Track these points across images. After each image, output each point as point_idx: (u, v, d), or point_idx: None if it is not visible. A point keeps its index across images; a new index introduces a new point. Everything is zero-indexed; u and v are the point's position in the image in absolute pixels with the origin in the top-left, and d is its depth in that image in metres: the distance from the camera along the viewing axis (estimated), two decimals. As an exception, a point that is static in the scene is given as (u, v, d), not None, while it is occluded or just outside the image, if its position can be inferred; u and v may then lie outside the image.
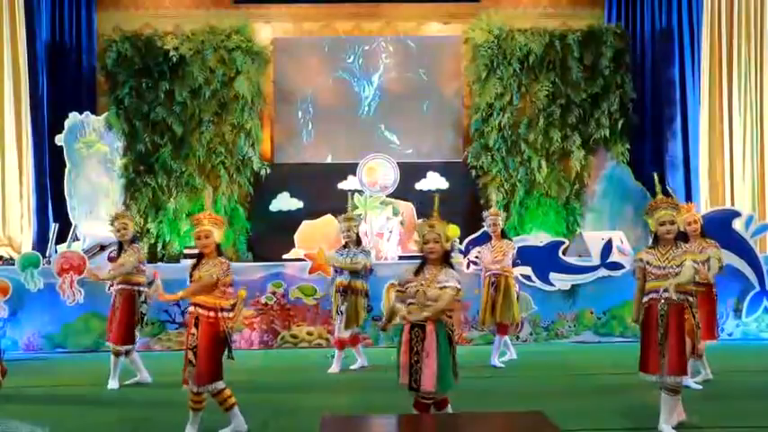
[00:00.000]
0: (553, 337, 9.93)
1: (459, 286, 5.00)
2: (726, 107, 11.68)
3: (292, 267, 9.92)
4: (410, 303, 5.02)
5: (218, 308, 5.39)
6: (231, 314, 5.49)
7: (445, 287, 4.94)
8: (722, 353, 7.87)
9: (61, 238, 10.82)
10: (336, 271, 8.09)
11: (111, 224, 7.42)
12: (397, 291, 5.16)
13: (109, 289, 7.93)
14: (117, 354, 7.30)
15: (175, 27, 12.20)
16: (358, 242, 8.14)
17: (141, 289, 7.31)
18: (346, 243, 8.11)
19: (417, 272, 5.07)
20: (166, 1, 12.41)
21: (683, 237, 5.53)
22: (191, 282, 5.47)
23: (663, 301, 5.27)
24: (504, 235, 8.42)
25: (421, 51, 12.57)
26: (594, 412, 6.18)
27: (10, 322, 9.58)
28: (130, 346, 7.37)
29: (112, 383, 7.30)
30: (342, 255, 8.05)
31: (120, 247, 7.41)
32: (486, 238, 8.63)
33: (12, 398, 6.94)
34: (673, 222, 5.33)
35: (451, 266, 5.09)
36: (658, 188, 5.66)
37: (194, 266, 5.51)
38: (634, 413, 6.01)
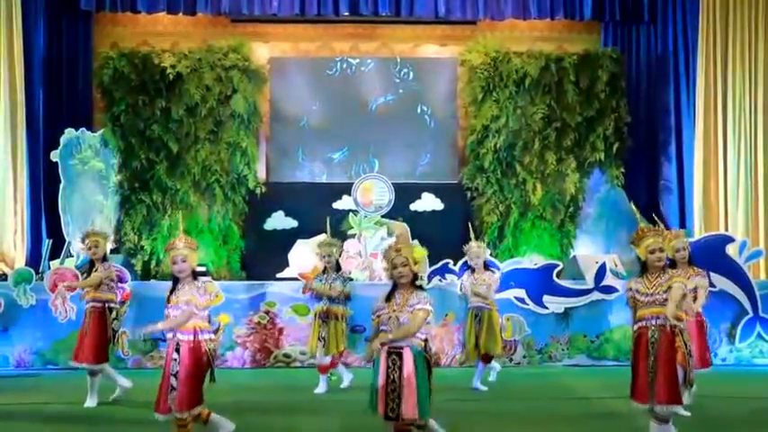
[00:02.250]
0: (546, 360, 9.90)
1: (430, 308, 4.96)
2: (720, 132, 11.74)
3: (286, 286, 9.88)
4: (382, 330, 4.98)
5: (197, 331, 5.37)
6: (213, 336, 5.46)
7: (416, 310, 4.91)
8: (715, 379, 7.84)
9: (55, 254, 10.78)
10: (317, 297, 8.03)
11: (82, 242, 7.42)
12: (373, 318, 5.12)
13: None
14: (93, 373, 7.22)
15: (173, 45, 12.23)
16: (338, 268, 8.09)
17: (112, 306, 7.25)
18: (325, 268, 8.05)
19: (388, 298, 5.03)
20: (164, 18, 12.43)
21: (670, 264, 5.54)
22: (167, 305, 5.43)
23: (653, 328, 5.27)
24: (486, 267, 8.35)
25: (417, 73, 12.62)
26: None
27: (1, 338, 9.52)
28: (98, 366, 7.25)
29: (90, 401, 7.23)
30: (320, 280, 8.00)
31: (92, 265, 7.36)
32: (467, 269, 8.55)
33: (1, 415, 6.89)
34: (662, 250, 5.37)
35: (421, 288, 5.06)
36: (638, 216, 5.72)
37: (171, 290, 5.47)
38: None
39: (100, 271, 7.25)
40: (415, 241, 9.47)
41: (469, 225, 9.26)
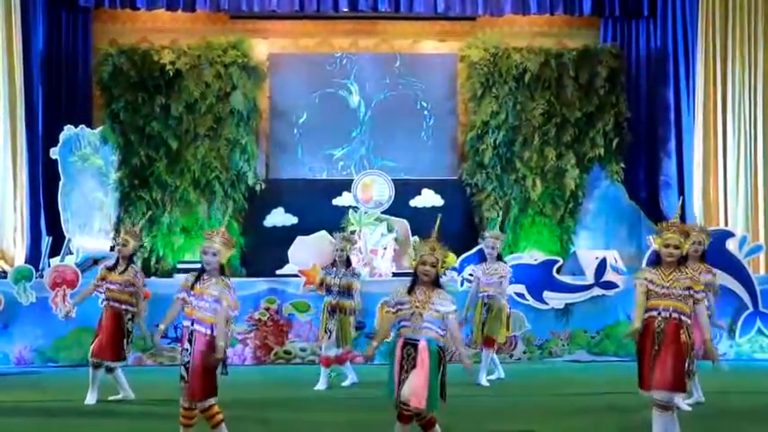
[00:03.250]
0: (547, 356, 9.90)
1: (455, 308, 5.06)
2: (720, 127, 11.73)
3: (286, 283, 9.88)
4: (404, 326, 5.01)
5: (214, 325, 5.36)
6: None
7: (441, 311, 4.98)
8: (715, 374, 7.82)
9: (54, 251, 10.77)
10: (327, 290, 8.01)
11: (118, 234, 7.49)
12: (388, 311, 5.14)
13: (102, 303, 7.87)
14: (96, 366, 7.22)
15: (172, 41, 12.20)
16: (348, 263, 8.09)
17: (129, 308, 7.24)
18: (335, 262, 8.05)
19: (409, 291, 5.07)
20: (163, 15, 12.39)
21: (682, 258, 5.54)
22: (190, 291, 5.41)
23: (660, 319, 5.30)
24: (499, 258, 8.37)
25: (417, 69, 12.61)
26: (588, 432, 6.16)
27: (1, 336, 9.51)
28: (116, 363, 7.27)
29: (90, 398, 7.24)
30: (330, 273, 8.01)
31: (118, 260, 7.39)
32: (480, 258, 8.59)
33: (1, 413, 6.88)
34: (677, 247, 5.35)
35: (441, 287, 5.12)
36: (678, 212, 5.77)
37: (196, 279, 5.44)
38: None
39: (135, 279, 7.24)
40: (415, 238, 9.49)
41: (498, 214, 9.16)
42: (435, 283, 5.09)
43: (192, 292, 5.39)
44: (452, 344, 5.17)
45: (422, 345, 4.94)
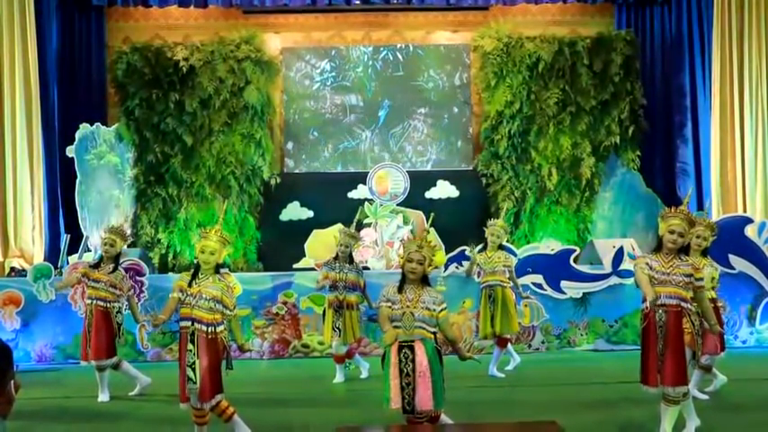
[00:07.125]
0: (565, 346, 9.87)
1: (445, 305, 5.02)
2: (737, 113, 11.63)
3: (303, 277, 9.90)
4: (396, 326, 4.97)
5: (216, 323, 5.37)
6: (223, 327, 5.46)
7: (431, 309, 4.94)
8: (736, 361, 7.80)
9: (73, 249, 10.85)
10: (332, 286, 7.91)
11: (103, 233, 7.45)
12: (382, 305, 5.08)
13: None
14: (101, 369, 7.27)
15: (185, 38, 12.25)
16: (351, 260, 8.03)
17: (115, 304, 7.26)
18: (337, 256, 7.98)
19: (399, 290, 5.02)
20: (176, 12, 12.45)
21: (684, 247, 5.49)
22: (187, 291, 5.40)
23: (661, 311, 5.25)
24: (501, 247, 8.28)
25: (430, 60, 12.58)
26: (609, 423, 6.13)
27: (22, 333, 9.60)
28: (115, 359, 7.32)
29: (103, 396, 7.30)
30: (333, 269, 7.92)
31: (102, 258, 7.35)
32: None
33: (23, 410, 6.93)
34: (682, 235, 5.31)
35: (429, 284, 5.08)
36: (686, 200, 5.75)
37: (192, 277, 5.42)
38: (652, 424, 5.93)
39: (122, 283, 7.26)
40: (432, 229, 9.45)
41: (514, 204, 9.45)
42: (424, 281, 5.04)
43: (188, 292, 5.38)
44: (448, 341, 5.10)
45: (419, 350, 4.91)
